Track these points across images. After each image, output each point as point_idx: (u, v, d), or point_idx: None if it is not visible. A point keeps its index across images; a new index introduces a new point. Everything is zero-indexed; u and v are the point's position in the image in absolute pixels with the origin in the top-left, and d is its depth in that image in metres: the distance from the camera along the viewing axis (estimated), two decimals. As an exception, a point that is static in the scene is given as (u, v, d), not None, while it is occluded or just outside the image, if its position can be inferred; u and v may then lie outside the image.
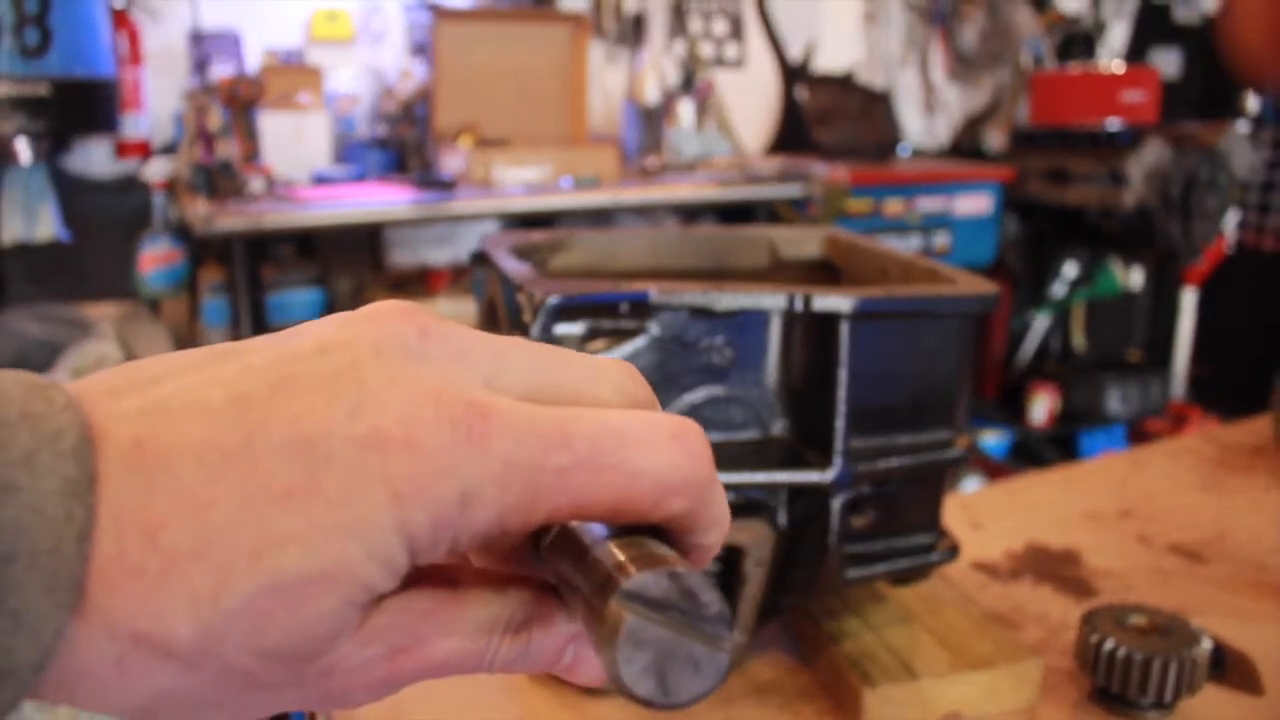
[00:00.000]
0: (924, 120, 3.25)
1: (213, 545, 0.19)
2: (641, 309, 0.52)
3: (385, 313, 0.22)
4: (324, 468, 0.19)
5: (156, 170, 2.29)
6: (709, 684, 0.21)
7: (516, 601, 0.23)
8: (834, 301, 0.52)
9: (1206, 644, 0.56)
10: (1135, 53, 3.38)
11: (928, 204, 2.56)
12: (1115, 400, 2.97)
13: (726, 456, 0.55)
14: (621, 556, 0.21)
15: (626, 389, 0.24)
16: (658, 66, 2.73)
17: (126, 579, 0.18)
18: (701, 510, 0.23)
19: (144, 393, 0.20)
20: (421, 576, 0.22)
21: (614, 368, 0.24)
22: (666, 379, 0.54)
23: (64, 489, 0.18)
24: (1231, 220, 3.12)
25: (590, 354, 0.25)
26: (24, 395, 0.19)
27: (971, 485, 2.57)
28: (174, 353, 0.22)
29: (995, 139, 3.07)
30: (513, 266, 0.58)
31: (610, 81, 2.79)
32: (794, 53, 3.01)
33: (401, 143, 2.49)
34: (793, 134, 2.95)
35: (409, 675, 0.22)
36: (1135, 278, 3.09)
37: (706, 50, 2.91)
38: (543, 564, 0.24)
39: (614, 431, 0.22)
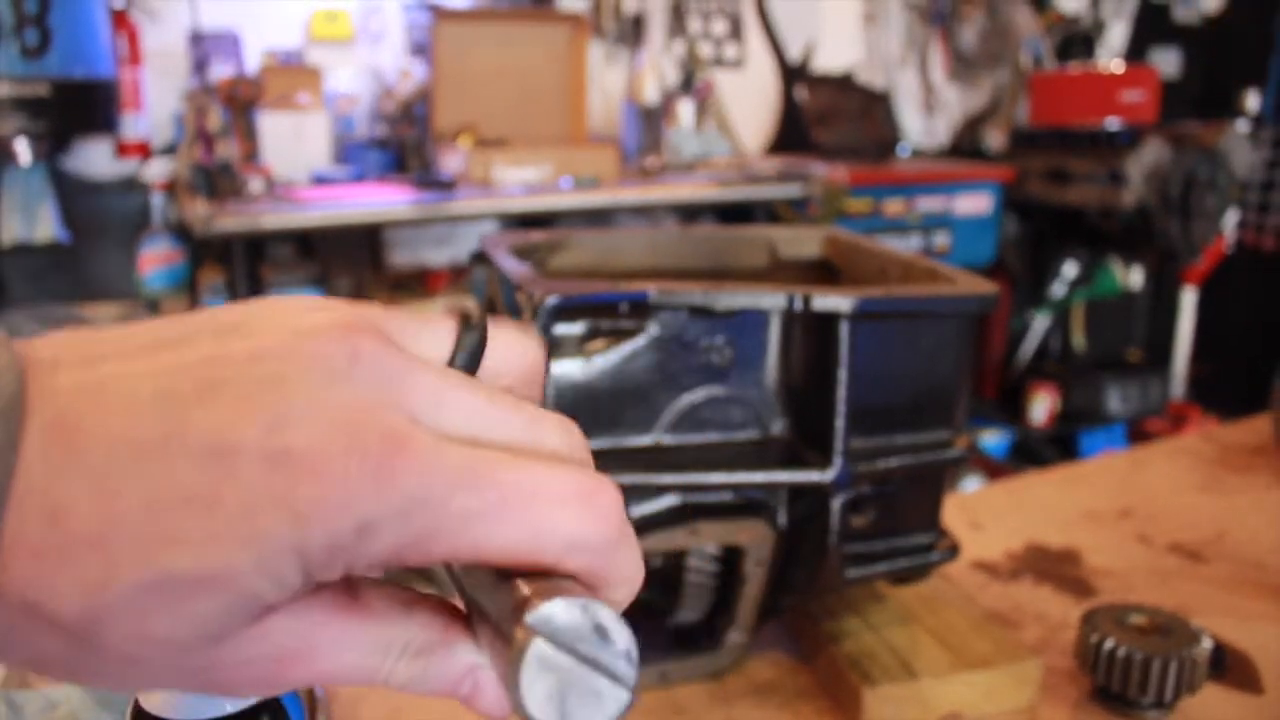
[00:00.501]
0: (924, 120, 3.25)
1: (109, 536, 0.19)
2: (641, 309, 0.52)
3: (324, 329, 0.22)
4: (229, 479, 0.20)
5: (156, 171, 2.29)
6: (609, 718, 0.21)
7: (419, 625, 0.24)
8: (834, 301, 0.52)
9: (1206, 643, 0.56)
10: (1135, 52, 3.38)
11: (927, 204, 2.56)
12: (1115, 400, 2.97)
13: (726, 456, 0.55)
14: (530, 589, 0.22)
15: (560, 448, 0.24)
16: (657, 66, 2.73)
17: (24, 553, 0.19)
18: (606, 570, 0.23)
19: (83, 371, 0.21)
20: (326, 586, 0.23)
21: (554, 424, 0.25)
22: (666, 379, 0.54)
23: None
24: (1231, 220, 3.12)
25: (532, 407, 0.25)
26: None
27: (971, 485, 2.57)
28: (132, 327, 0.23)
29: (995, 139, 3.07)
30: (512, 266, 0.58)
31: (610, 81, 2.79)
32: (793, 53, 3.01)
33: (401, 143, 2.49)
34: (792, 134, 2.95)
35: (296, 680, 0.23)
36: (1135, 277, 3.09)
37: (706, 50, 2.91)
38: (454, 588, 0.25)
39: (525, 482, 0.22)
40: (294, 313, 0.23)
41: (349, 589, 0.23)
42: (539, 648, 0.21)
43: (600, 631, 0.21)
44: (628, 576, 0.24)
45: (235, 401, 0.21)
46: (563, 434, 0.25)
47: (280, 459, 0.20)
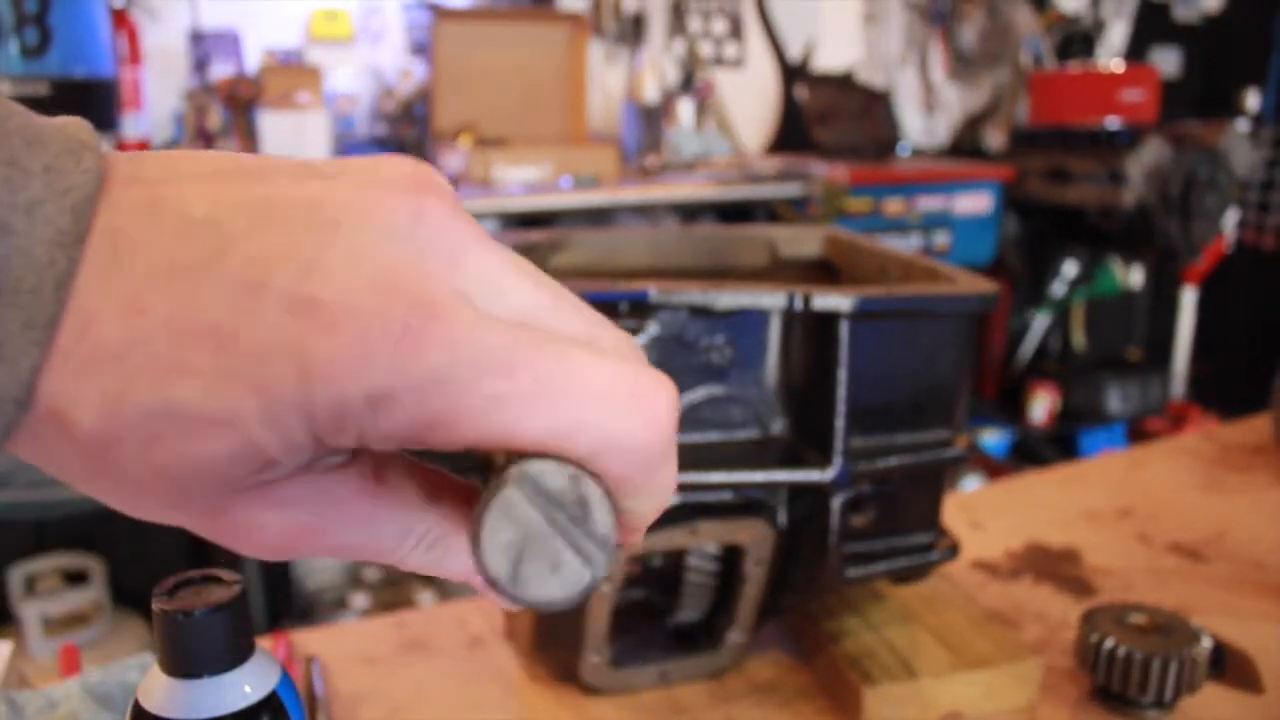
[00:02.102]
0: (924, 120, 3.25)
1: (130, 352, 0.19)
2: (641, 308, 0.52)
3: (398, 183, 0.21)
4: (249, 319, 0.19)
5: (156, 170, 2.29)
6: (563, 594, 0.20)
7: (440, 515, 0.23)
8: (833, 301, 0.52)
9: (1206, 643, 0.56)
10: (1135, 52, 3.38)
11: (927, 203, 2.56)
12: (1115, 399, 2.97)
13: (726, 456, 0.55)
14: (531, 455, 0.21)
15: (621, 351, 0.23)
16: (657, 66, 2.73)
17: (56, 358, 0.19)
18: (641, 481, 0.21)
19: (154, 187, 0.20)
20: (352, 464, 0.22)
21: (617, 332, 0.23)
22: (666, 378, 0.54)
23: (55, 239, 0.19)
24: (1231, 219, 3.12)
25: (597, 313, 0.23)
26: (59, 150, 0.20)
27: (971, 484, 2.57)
28: (223, 154, 0.22)
29: (995, 138, 3.06)
30: (512, 266, 0.58)
31: (610, 81, 2.78)
32: (793, 52, 3.01)
33: (401, 142, 2.49)
34: (792, 133, 2.95)
35: (307, 550, 0.22)
36: (1135, 277, 3.09)
37: (706, 50, 2.90)
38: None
39: (569, 370, 0.20)
40: (379, 166, 0.22)
41: (375, 469, 0.23)
42: (509, 495, 0.20)
43: (583, 505, 0.20)
44: (663, 492, 0.22)
45: (279, 240, 0.20)
46: (624, 342, 0.23)
47: (303, 307, 0.19)
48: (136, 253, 0.19)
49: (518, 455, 0.21)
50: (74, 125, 0.21)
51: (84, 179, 0.19)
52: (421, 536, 0.23)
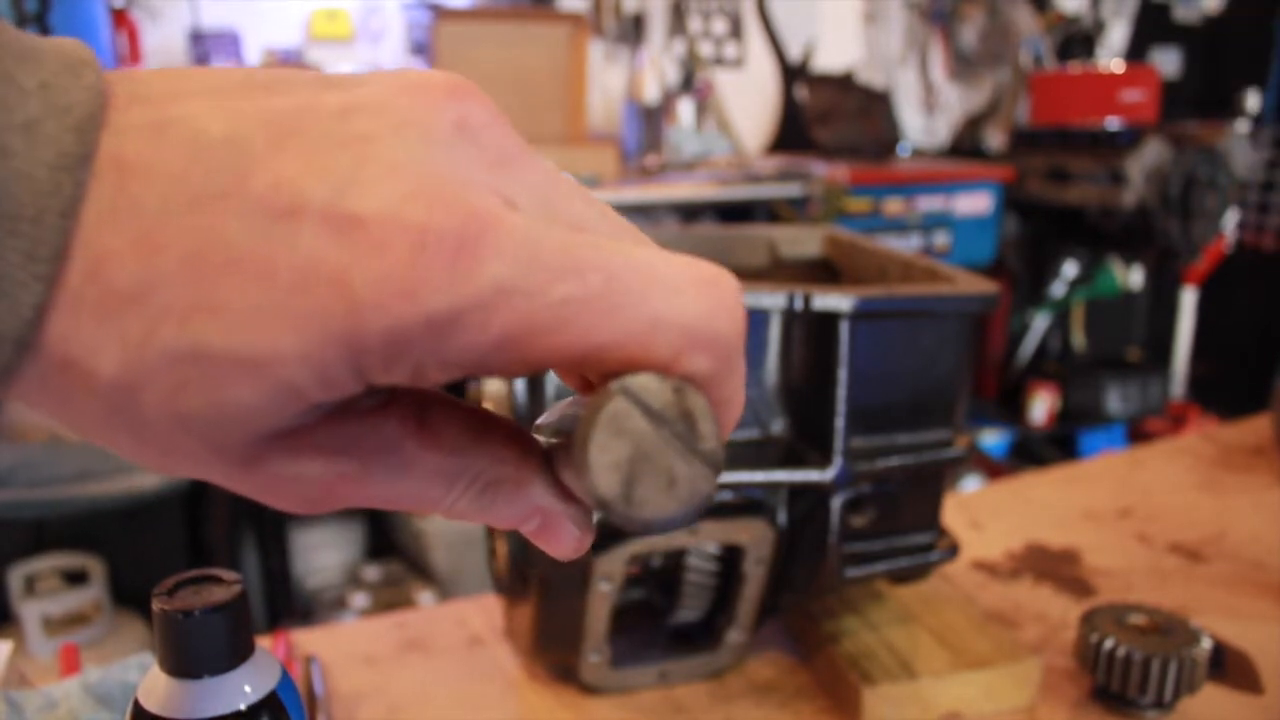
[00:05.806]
0: (924, 120, 3.25)
1: (150, 293, 0.17)
2: (641, 308, 0.52)
3: (432, 88, 0.19)
4: (284, 246, 0.17)
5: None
6: (679, 510, 0.19)
7: (490, 457, 0.21)
8: (834, 301, 0.52)
9: (1206, 643, 0.56)
10: (1135, 52, 3.38)
11: (927, 203, 2.56)
12: (1115, 400, 2.97)
13: (727, 456, 0.55)
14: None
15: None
16: (657, 66, 2.73)
17: (64, 302, 0.17)
18: (725, 374, 0.20)
19: (160, 106, 0.18)
20: (393, 405, 0.20)
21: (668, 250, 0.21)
22: (666, 378, 0.54)
23: (58, 161, 0.17)
24: (1231, 220, 3.12)
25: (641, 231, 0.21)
26: (56, 68, 0.18)
27: (971, 485, 2.57)
28: (233, 68, 0.20)
29: (995, 138, 3.07)
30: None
31: (610, 81, 2.78)
32: (793, 52, 3.01)
33: (401, 142, 2.49)
34: (792, 133, 2.95)
35: (347, 500, 0.21)
36: (1135, 277, 3.09)
37: (706, 50, 2.90)
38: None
39: (636, 267, 0.18)
40: (407, 72, 0.20)
41: (417, 409, 0.21)
42: (618, 407, 0.18)
43: (688, 420, 0.19)
44: (738, 394, 0.21)
45: (309, 155, 0.18)
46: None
47: (345, 226, 0.17)
48: (148, 181, 0.17)
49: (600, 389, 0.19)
50: (70, 43, 0.19)
51: (85, 96, 0.18)
52: (472, 480, 0.21)
